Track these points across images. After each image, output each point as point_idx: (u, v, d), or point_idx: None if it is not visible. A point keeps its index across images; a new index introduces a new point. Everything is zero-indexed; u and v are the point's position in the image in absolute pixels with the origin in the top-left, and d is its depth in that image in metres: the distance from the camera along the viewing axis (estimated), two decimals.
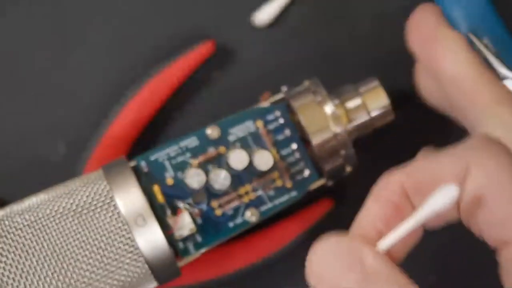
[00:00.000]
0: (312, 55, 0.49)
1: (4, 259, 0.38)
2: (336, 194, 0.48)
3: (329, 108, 0.42)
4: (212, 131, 0.42)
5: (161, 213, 0.41)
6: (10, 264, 0.38)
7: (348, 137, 0.42)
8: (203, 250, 0.41)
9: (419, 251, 0.49)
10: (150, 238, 0.38)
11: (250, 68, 0.48)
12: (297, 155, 0.42)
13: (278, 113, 0.43)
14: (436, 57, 0.40)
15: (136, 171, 0.41)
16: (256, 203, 0.42)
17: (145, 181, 0.41)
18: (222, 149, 0.42)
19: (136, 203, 0.39)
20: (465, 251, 0.49)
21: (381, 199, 0.33)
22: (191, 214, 0.41)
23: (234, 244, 0.47)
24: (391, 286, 0.31)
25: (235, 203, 0.41)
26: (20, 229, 0.38)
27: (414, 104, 0.49)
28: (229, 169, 0.41)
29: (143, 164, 0.41)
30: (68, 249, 0.38)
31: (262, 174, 0.42)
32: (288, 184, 0.42)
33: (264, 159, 0.41)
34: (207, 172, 0.41)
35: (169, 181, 0.41)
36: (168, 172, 0.41)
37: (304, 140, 0.43)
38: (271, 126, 0.42)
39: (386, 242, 0.32)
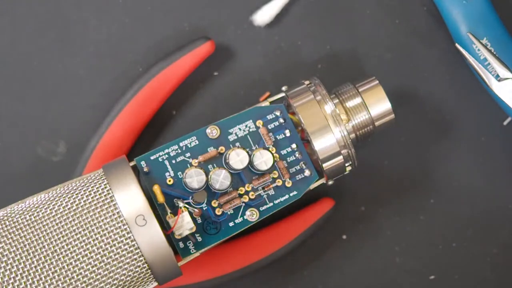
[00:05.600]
0: (312, 55, 0.49)
1: (4, 258, 0.38)
2: (336, 194, 0.48)
3: (328, 108, 0.42)
4: (212, 131, 0.42)
5: (161, 212, 0.41)
6: (11, 264, 0.38)
7: (348, 136, 0.42)
8: (203, 250, 0.41)
9: (419, 251, 0.49)
10: (150, 238, 0.38)
11: (250, 68, 0.48)
12: (297, 155, 0.42)
13: (278, 112, 0.43)
14: None
15: (136, 171, 0.41)
16: (256, 202, 0.42)
17: (145, 181, 0.41)
18: (222, 149, 0.42)
19: (136, 203, 0.39)
20: (465, 251, 0.49)
21: None
22: (191, 214, 0.41)
23: (234, 244, 0.47)
24: None
25: (235, 203, 0.41)
26: (21, 229, 0.38)
27: (414, 104, 0.49)
28: (229, 169, 0.41)
29: (143, 164, 0.41)
30: (68, 249, 0.38)
31: (262, 174, 0.42)
32: (288, 184, 0.42)
33: (264, 159, 0.41)
34: (207, 172, 0.41)
35: (169, 181, 0.41)
36: (168, 172, 0.41)
37: (304, 140, 0.43)
38: (271, 126, 0.42)
39: None
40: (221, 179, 0.41)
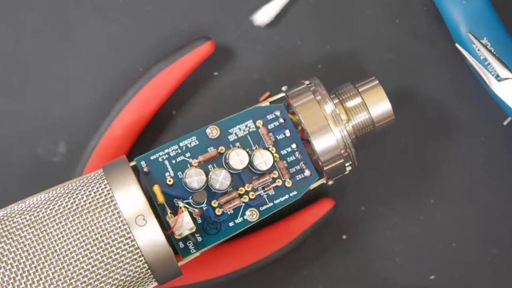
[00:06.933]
0: (312, 55, 0.49)
1: (4, 259, 0.38)
2: (336, 194, 0.48)
3: (328, 108, 0.42)
4: (212, 131, 0.42)
5: (161, 212, 0.41)
6: (11, 264, 0.38)
7: (348, 136, 0.42)
8: (203, 250, 0.41)
9: (419, 251, 0.49)
10: (150, 238, 0.38)
11: (250, 68, 0.48)
12: (297, 155, 0.42)
13: (278, 112, 0.43)
14: None
15: (136, 171, 0.41)
16: (256, 202, 0.42)
17: (145, 181, 0.41)
18: (222, 149, 0.42)
19: (136, 203, 0.39)
20: (465, 251, 0.49)
21: None
22: (191, 214, 0.41)
23: (234, 244, 0.47)
24: None
25: (235, 203, 0.41)
26: (21, 229, 0.38)
27: (414, 104, 0.49)
28: (229, 168, 0.41)
29: (143, 164, 0.41)
30: (68, 249, 0.38)
31: (262, 174, 0.42)
32: (288, 184, 0.42)
33: (264, 159, 0.41)
34: (207, 172, 0.41)
35: (169, 181, 0.41)
36: (168, 172, 0.41)
37: (304, 140, 0.43)
38: (271, 126, 0.42)
39: None
40: (221, 179, 0.41)
